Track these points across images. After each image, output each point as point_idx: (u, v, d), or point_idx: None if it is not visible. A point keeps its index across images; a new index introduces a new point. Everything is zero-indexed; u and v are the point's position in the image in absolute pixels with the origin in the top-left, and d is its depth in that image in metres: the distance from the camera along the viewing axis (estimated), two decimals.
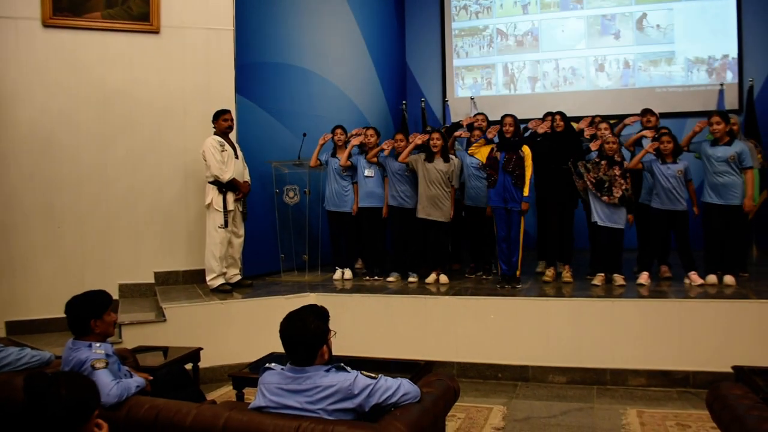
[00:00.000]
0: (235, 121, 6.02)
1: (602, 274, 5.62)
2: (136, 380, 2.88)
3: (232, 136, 5.99)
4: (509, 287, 5.60)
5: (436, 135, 6.06)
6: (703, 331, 4.73)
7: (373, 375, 2.51)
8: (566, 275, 5.84)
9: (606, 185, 5.50)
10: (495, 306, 5.20)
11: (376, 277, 6.30)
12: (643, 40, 8.78)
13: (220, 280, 5.80)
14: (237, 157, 5.85)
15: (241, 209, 5.94)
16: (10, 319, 5.57)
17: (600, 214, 5.57)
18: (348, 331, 5.02)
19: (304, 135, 6.53)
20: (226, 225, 5.75)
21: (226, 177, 5.70)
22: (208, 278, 5.81)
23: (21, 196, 5.72)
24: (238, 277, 6.03)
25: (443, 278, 6.01)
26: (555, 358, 4.97)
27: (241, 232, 6.00)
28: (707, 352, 4.68)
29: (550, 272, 5.91)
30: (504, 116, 5.82)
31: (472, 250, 6.59)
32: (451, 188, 6.07)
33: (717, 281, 5.43)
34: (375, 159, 6.27)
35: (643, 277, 5.57)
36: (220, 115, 5.83)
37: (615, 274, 5.58)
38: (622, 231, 5.61)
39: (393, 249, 6.43)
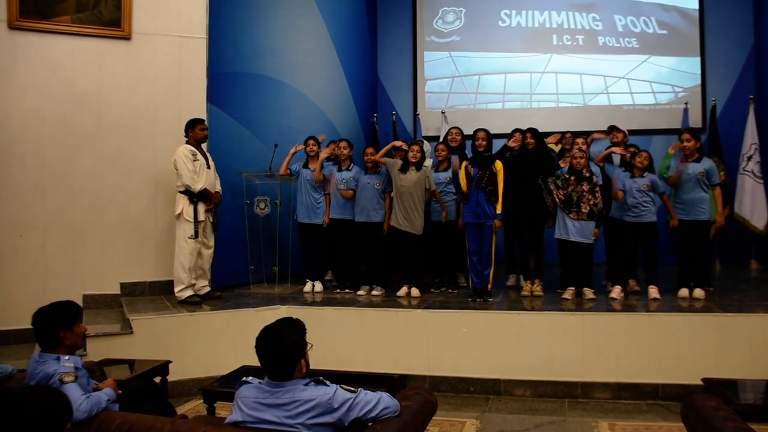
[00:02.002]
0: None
1: (572, 288, 5.68)
2: (106, 393, 2.77)
3: (204, 145, 5.90)
4: (481, 300, 5.62)
5: (416, 147, 6.04)
6: (671, 344, 4.80)
7: (352, 389, 2.48)
8: (537, 289, 5.88)
9: (574, 201, 5.58)
10: (467, 319, 5.20)
11: (347, 290, 6.26)
12: (612, 58, 8.98)
13: (189, 292, 5.68)
14: (209, 167, 5.76)
15: (211, 220, 5.85)
16: None
17: (569, 230, 5.64)
18: (319, 345, 4.95)
19: (276, 146, 6.48)
20: (196, 236, 5.65)
21: (197, 187, 5.60)
22: (176, 289, 5.69)
23: None
24: (207, 289, 5.92)
25: (414, 291, 5.99)
26: (527, 371, 4.98)
27: (211, 243, 5.90)
28: (675, 364, 4.75)
29: (527, 286, 5.93)
30: (477, 130, 5.85)
31: (438, 265, 6.57)
32: (427, 194, 6.03)
33: (689, 295, 5.54)
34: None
35: (616, 291, 5.65)
36: (196, 125, 5.74)
37: (585, 288, 5.65)
38: (591, 245, 5.69)
39: (361, 262, 6.40)
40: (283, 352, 2.42)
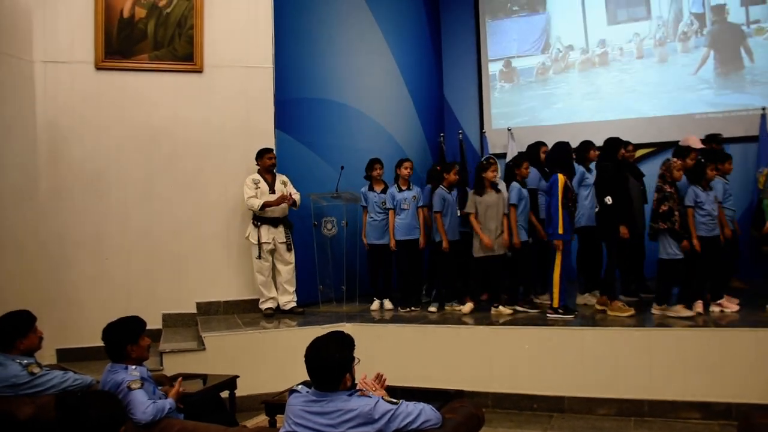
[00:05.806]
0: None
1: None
2: (169, 401, 3.00)
3: None
4: (561, 316, 5.50)
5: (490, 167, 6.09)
6: (745, 362, 4.59)
7: (394, 400, 2.55)
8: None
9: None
10: (530, 336, 5.18)
11: (412, 308, 6.34)
12: (681, 66, 8.69)
13: (268, 304, 6.24)
14: (273, 191, 6.16)
15: (283, 240, 6.20)
16: (61, 346, 5.78)
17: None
18: (383, 361, 5.05)
19: (342, 168, 6.68)
20: (259, 256, 6.09)
21: (255, 204, 6.06)
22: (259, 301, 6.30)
23: (72, 229, 6.01)
24: (292, 305, 6.28)
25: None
26: (591, 388, 4.89)
27: (289, 259, 6.28)
28: (750, 383, 4.54)
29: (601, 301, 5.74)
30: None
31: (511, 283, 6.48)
32: (505, 215, 6.00)
33: None
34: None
35: (698, 306, 5.39)
36: (264, 154, 6.21)
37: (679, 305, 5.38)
38: (678, 261, 5.36)
39: (428, 280, 6.47)
40: (329, 366, 2.53)
